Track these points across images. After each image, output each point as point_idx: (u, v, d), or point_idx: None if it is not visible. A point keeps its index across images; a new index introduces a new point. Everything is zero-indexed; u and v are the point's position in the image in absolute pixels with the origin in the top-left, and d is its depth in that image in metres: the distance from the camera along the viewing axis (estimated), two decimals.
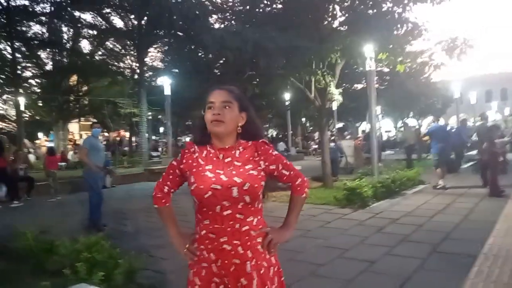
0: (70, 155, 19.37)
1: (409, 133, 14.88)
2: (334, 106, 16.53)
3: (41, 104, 22.84)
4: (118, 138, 27.86)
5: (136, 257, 3.61)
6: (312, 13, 9.18)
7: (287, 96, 18.96)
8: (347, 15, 9.28)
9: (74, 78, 23.13)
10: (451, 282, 3.56)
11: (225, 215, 1.51)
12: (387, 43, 8.72)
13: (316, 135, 26.77)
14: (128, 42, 21.13)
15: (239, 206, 1.51)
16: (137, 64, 20.39)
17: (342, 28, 9.61)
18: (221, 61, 14.04)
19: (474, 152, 11.23)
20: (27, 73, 21.22)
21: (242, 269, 1.53)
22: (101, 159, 6.82)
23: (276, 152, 1.64)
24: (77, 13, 19.10)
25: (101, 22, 19.91)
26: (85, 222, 6.56)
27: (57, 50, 20.85)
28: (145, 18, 18.17)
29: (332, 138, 13.31)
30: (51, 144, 20.99)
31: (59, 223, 6.76)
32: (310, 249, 4.71)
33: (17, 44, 18.52)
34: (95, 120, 20.85)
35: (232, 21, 11.15)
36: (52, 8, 18.41)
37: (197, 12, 15.21)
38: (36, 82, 23.05)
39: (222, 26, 12.46)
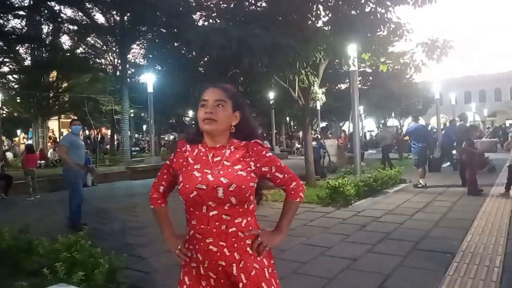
0: (49, 153, 18.95)
1: (386, 133, 15.10)
2: (318, 105, 16.65)
3: (19, 101, 22.29)
4: (99, 136, 27.40)
5: (116, 257, 3.55)
6: (296, 12, 9.21)
7: (271, 95, 19.00)
8: (330, 15, 9.34)
9: (53, 74, 22.62)
10: (430, 279, 3.63)
11: (211, 216, 1.48)
12: (370, 44, 8.82)
13: (300, 134, 26.91)
14: (110, 38, 20.78)
15: (225, 207, 1.47)
16: (119, 61, 20.09)
17: (326, 28, 9.68)
18: (205, 59, 13.95)
19: (453, 151, 11.51)
20: (5, 69, 20.71)
21: (228, 271, 1.50)
22: (81, 157, 6.67)
23: (270, 154, 1.59)
24: (57, 7, 18.68)
25: (82, 17, 19.53)
26: (64, 221, 6.43)
27: (36, 45, 20.34)
28: (128, 14, 17.92)
29: (315, 136, 13.41)
30: (30, 142, 20.52)
31: (38, 222, 6.63)
32: (293, 247, 4.73)
33: None
34: (75, 117, 20.45)
35: (217, 19, 11.09)
36: (31, 2, 17.96)
37: (181, 9, 15.12)
38: (14, 78, 22.48)
39: (206, 23, 12.38)
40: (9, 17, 18.38)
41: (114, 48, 21.34)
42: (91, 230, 5.80)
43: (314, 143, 12.42)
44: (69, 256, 3.43)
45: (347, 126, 34.48)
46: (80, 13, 19.34)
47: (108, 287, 3.29)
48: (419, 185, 9.09)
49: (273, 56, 7.81)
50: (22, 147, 22.15)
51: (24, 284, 3.04)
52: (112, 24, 19.37)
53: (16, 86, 22.33)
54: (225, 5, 10.89)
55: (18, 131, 30.32)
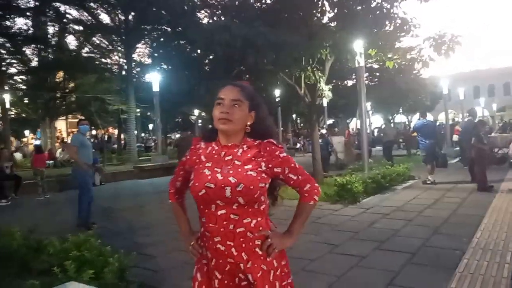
0: (58, 152, 19.11)
1: (388, 128, 14.96)
2: (324, 102, 16.57)
3: (27, 102, 22.49)
4: (106, 136, 27.60)
5: (125, 255, 3.57)
6: (301, 9, 9.17)
7: (277, 92, 18.94)
8: (336, 10, 9.27)
9: (60, 75, 22.79)
10: (440, 276, 3.59)
11: (219, 215, 1.47)
12: (376, 39, 8.75)
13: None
14: (115, 38, 20.86)
15: (233, 207, 1.46)
16: (125, 60, 20.16)
17: (331, 24, 9.62)
18: (210, 57, 13.95)
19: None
20: (12, 70, 20.88)
21: (235, 270, 1.50)
22: (90, 156, 6.72)
23: (284, 154, 1.54)
24: (62, 8, 18.79)
25: (87, 17, 19.62)
26: (74, 220, 6.47)
27: (42, 46, 20.49)
28: (133, 13, 17.96)
29: (321, 133, 13.35)
30: (38, 142, 20.70)
31: (47, 221, 6.68)
32: (301, 245, 4.71)
33: (1, 40, 18.16)
34: (82, 117, 20.56)
35: (221, 17, 11.08)
36: (37, 3, 18.07)
37: (185, 7, 15.10)
38: (21, 79, 22.66)
39: (211, 21, 12.37)
40: (16, 19, 18.57)
41: (119, 48, 21.43)
42: (100, 229, 5.85)
43: (320, 140, 12.39)
44: (79, 255, 3.45)
45: (354, 123, 34.40)
46: (85, 13, 19.42)
47: (117, 285, 3.31)
48: (428, 182, 9.02)
49: (278, 53, 7.79)
50: (31, 147, 22.37)
51: (35, 283, 3.06)
52: (117, 23, 19.43)
53: (23, 87, 22.52)
54: (229, 3, 10.87)
55: (27, 132, 30.60)
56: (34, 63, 21.29)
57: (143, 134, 37.32)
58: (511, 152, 11.25)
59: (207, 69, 15.65)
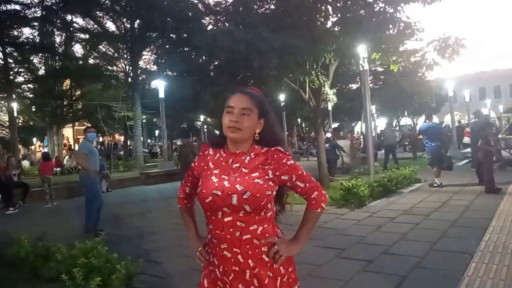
0: (65, 160, 19.25)
1: (388, 131, 14.90)
2: (329, 106, 16.56)
3: (34, 110, 22.71)
4: (112, 142, 27.74)
5: (132, 262, 3.59)
6: (304, 13, 9.20)
7: (282, 97, 18.98)
8: (339, 15, 9.30)
9: (67, 83, 23.03)
10: (448, 280, 3.57)
11: (226, 222, 1.48)
12: (380, 43, 8.75)
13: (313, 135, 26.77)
14: (121, 46, 21.07)
15: (240, 214, 1.47)
16: (131, 67, 20.33)
17: (335, 29, 9.63)
18: (215, 63, 14.01)
19: (468, 149, 11.32)
20: (20, 79, 21.11)
21: (241, 276, 1.50)
22: (97, 163, 6.78)
23: (291, 162, 1.54)
24: (68, 17, 19.04)
25: (93, 26, 19.86)
26: (81, 228, 6.51)
27: (49, 55, 20.75)
28: (138, 20, 18.13)
29: (326, 138, 13.34)
30: (46, 150, 20.87)
31: (55, 229, 6.72)
32: (308, 249, 4.70)
33: (9, 49, 18.41)
34: (89, 125, 20.71)
35: (226, 23, 11.14)
36: (43, 12, 18.32)
37: (190, 14, 15.23)
38: (29, 87, 22.93)
39: (215, 28, 12.45)
40: (23, 28, 18.86)
41: (125, 55, 21.64)
42: (107, 236, 5.87)
43: (327, 144, 12.39)
44: (87, 262, 3.48)
45: (359, 126, 34.28)
46: (91, 22, 19.68)
47: None
48: (435, 184, 8.96)
49: (282, 57, 7.81)
50: (38, 155, 22.54)
51: None
52: (123, 31, 19.63)
53: (31, 95, 22.78)
54: (233, 9, 10.94)
55: (34, 139, 30.87)
56: (41, 72, 21.56)
57: (149, 141, 37.50)
58: None
59: (212, 75, 15.73)
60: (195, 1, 15.49)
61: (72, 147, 26.67)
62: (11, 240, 4.50)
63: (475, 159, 9.53)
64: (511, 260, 3.90)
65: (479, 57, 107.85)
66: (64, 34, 20.89)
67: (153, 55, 22.67)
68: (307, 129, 34.69)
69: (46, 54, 20.65)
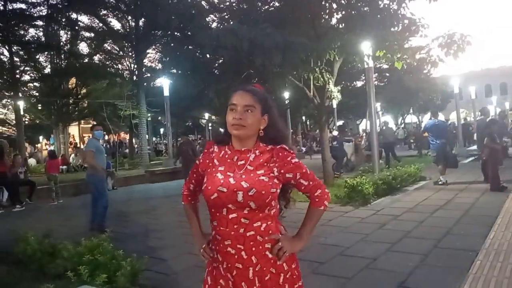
0: (71, 158, 19.39)
1: (387, 129, 14.84)
2: (334, 104, 16.52)
3: (40, 108, 22.87)
4: (118, 140, 27.90)
5: (138, 259, 3.62)
6: (308, 10, 9.18)
7: (286, 94, 18.96)
8: (343, 12, 9.26)
9: (73, 81, 23.16)
10: (452, 277, 3.56)
11: (230, 219, 1.50)
12: (384, 40, 8.70)
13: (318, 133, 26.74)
14: (126, 44, 21.14)
15: (244, 211, 1.48)
16: (135, 66, 20.41)
17: (339, 26, 9.60)
18: (220, 61, 14.04)
19: (474, 147, 11.24)
20: (26, 77, 21.27)
21: (244, 274, 1.51)
22: (104, 161, 6.82)
23: (295, 160, 1.56)
24: (74, 16, 19.14)
25: (98, 24, 19.95)
26: (87, 225, 6.56)
27: (55, 53, 20.88)
28: (142, 19, 18.19)
29: (335, 135, 13.31)
30: (52, 148, 21.03)
31: (61, 226, 6.79)
32: (311, 247, 4.71)
33: (15, 48, 18.54)
34: (95, 123, 20.88)
35: (230, 21, 11.16)
36: (49, 11, 18.43)
37: (194, 12, 15.26)
38: (35, 86, 23.09)
39: (219, 26, 12.46)
40: (29, 27, 18.95)
41: (130, 54, 21.71)
42: (112, 233, 5.91)
43: (334, 142, 12.38)
44: (92, 259, 3.51)
45: (364, 124, 34.16)
46: (96, 20, 19.76)
47: None
48: (440, 182, 8.92)
49: (286, 55, 7.79)
50: (45, 153, 22.73)
51: (49, 287, 3.13)
52: (128, 30, 19.71)
53: (37, 94, 22.94)
54: (237, 7, 10.94)
55: (40, 138, 31.11)
56: (47, 70, 21.70)
57: (154, 139, 37.63)
58: None
59: (216, 72, 15.76)
60: None
61: (78, 145, 26.86)
62: (18, 237, 4.55)
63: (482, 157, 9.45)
64: None
65: (481, 56, 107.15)
66: (69, 32, 21.00)
67: (158, 53, 22.79)
68: (311, 126, 34.62)
69: (52, 53, 20.78)
